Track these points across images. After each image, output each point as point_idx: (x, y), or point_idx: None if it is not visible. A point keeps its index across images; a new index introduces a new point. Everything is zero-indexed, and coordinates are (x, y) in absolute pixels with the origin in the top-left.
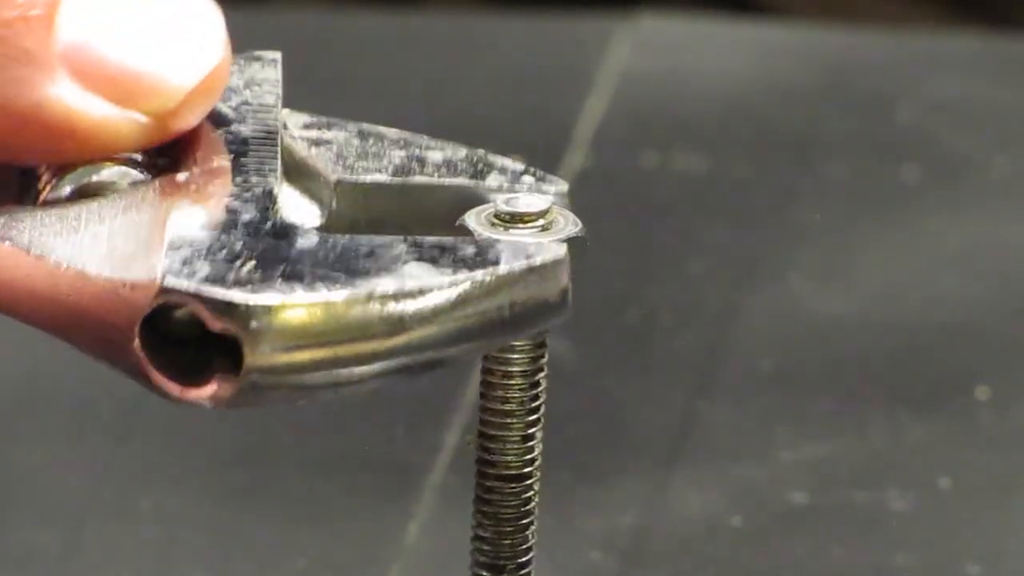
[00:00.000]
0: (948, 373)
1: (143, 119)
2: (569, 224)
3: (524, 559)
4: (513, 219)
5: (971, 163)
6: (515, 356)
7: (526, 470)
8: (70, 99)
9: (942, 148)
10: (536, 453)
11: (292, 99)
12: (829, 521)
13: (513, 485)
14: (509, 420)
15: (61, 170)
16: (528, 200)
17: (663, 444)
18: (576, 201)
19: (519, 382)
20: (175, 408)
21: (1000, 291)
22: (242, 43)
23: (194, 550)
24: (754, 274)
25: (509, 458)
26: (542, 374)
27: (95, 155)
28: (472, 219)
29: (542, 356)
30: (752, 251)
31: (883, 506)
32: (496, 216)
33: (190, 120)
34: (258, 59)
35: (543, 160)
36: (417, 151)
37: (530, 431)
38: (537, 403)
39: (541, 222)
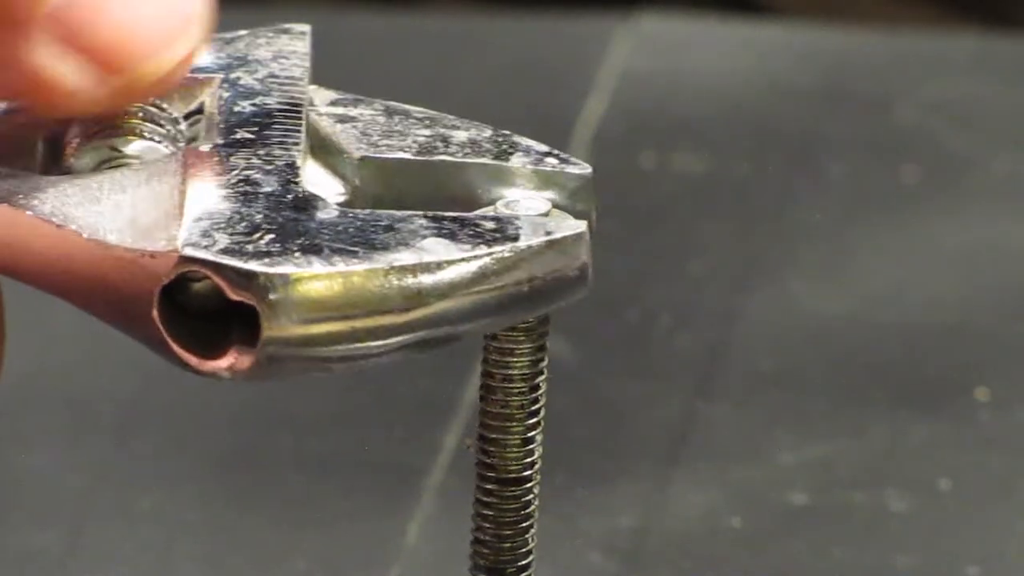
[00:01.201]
0: (948, 373)
1: (116, 86)
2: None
3: (524, 561)
4: None
5: (971, 163)
6: (515, 359)
7: (526, 473)
8: (50, 61)
9: (942, 148)
10: (536, 456)
11: None
12: (829, 521)
13: (513, 488)
14: (509, 424)
15: (86, 141)
16: (528, 203)
17: (663, 444)
18: None
19: (519, 386)
20: (175, 407)
21: (1000, 291)
22: None
23: (194, 551)
24: (754, 274)
25: (509, 462)
26: (542, 377)
27: (62, 115)
28: None
29: (542, 359)
30: (752, 251)
31: (883, 506)
32: None
33: (157, 93)
34: (287, 31)
35: None
36: (442, 130)
37: (530, 434)
38: (537, 406)
39: None
